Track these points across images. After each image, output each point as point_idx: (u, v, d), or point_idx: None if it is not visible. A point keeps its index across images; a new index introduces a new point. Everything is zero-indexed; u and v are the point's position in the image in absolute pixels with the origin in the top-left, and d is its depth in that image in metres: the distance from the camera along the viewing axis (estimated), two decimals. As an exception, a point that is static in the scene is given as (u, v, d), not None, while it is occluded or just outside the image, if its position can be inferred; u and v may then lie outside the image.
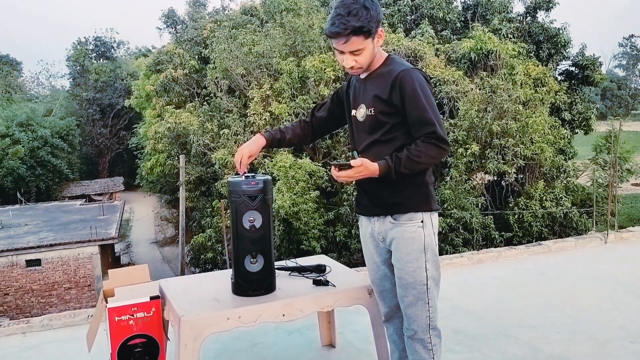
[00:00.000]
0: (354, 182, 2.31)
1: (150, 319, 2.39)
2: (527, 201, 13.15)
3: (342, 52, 2.13)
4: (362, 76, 2.27)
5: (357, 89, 2.31)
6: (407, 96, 2.09)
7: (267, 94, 13.27)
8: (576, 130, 15.84)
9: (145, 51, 39.26)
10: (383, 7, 16.43)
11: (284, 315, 2.38)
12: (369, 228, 2.33)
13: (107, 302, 2.37)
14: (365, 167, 2.06)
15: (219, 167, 13.18)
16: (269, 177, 2.48)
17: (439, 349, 2.23)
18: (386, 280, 2.36)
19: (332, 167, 2.12)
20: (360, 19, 2.05)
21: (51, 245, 16.75)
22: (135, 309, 2.35)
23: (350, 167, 2.05)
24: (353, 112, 2.31)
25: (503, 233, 13.04)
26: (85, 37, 41.70)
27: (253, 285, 2.42)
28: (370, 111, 2.20)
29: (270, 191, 2.49)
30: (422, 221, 2.18)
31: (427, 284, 2.18)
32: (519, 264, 4.99)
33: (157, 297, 2.42)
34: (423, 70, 2.16)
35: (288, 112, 12.84)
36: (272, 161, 12.59)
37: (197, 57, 19.53)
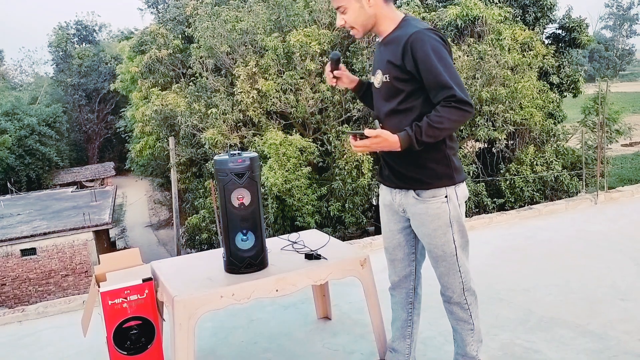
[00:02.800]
0: (378, 153, 2.25)
1: (144, 300, 2.39)
2: (518, 167, 13.22)
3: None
4: (379, 40, 2.20)
5: (376, 55, 2.25)
6: (420, 60, 1.98)
7: (253, 71, 13.11)
8: (565, 94, 15.83)
9: (128, 33, 38.57)
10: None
11: (277, 290, 2.39)
12: (389, 197, 2.29)
13: (99, 287, 2.36)
14: (383, 138, 1.99)
15: (209, 147, 13.10)
16: (255, 154, 2.47)
17: (475, 307, 2.27)
18: (399, 250, 2.35)
19: (350, 137, 2.08)
20: None
21: (45, 234, 16.71)
22: (128, 291, 2.36)
23: (365, 137, 2.00)
24: (372, 78, 2.26)
25: (495, 199, 13.13)
26: (66, 22, 41.01)
27: (245, 262, 2.43)
28: (386, 77, 2.12)
29: (258, 168, 2.48)
30: (446, 196, 2.12)
31: (456, 254, 2.18)
32: (510, 229, 5.03)
33: (149, 279, 2.42)
34: (436, 30, 2.10)
35: (275, 89, 12.72)
36: (262, 139, 12.52)
37: (180, 36, 19.26)
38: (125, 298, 2.36)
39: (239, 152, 2.44)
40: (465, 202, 2.26)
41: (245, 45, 13.93)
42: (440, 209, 2.12)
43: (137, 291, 2.38)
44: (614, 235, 4.60)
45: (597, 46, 53.89)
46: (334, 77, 2.34)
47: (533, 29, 14.71)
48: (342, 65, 2.36)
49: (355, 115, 12.83)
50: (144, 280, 2.40)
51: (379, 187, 2.43)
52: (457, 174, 2.14)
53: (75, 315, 3.57)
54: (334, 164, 12.71)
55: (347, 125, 12.75)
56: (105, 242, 20.56)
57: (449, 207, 2.13)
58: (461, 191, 2.17)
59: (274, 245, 2.77)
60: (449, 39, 13.57)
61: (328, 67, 2.32)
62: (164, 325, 2.67)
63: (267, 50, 13.22)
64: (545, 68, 14.30)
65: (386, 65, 2.11)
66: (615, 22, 68.29)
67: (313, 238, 2.91)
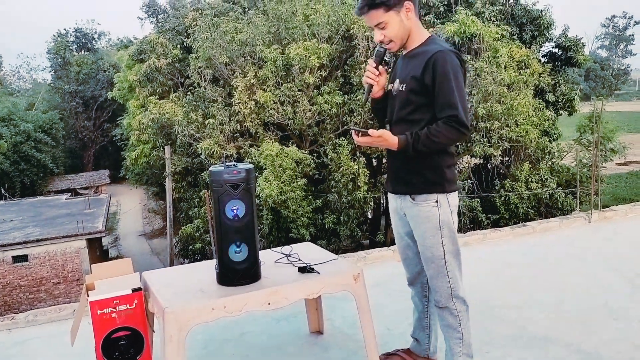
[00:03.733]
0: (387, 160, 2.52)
1: (133, 311, 2.37)
2: (513, 183, 13.22)
3: (372, 29, 2.30)
4: (404, 52, 2.37)
5: (398, 65, 2.43)
6: (438, 76, 2.16)
7: (251, 82, 13.13)
8: (560, 112, 15.90)
9: (127, 42, 38.67)
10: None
11: (269, 303, 2.38)
12: (394, 203, 2.52)
13: (88, 296, 2.34)
14: (384, 138, 2.19)
15: (205, 157, 13.08)
16: (251, 166, 2.46)
17: (465, 315, 2.41)
18: (409, 250, 2.55)
19: (353, 132, 2.25)
20: None
21: (38, 241, 16.59)
22: (117, 301, 2.33)
23: (368, 135, 2.19)
24: (390, 85, 2.42)
25: (490, 215, 13.12)
26: (65, 29, 40.99)
27: (238, 274, 2.41)
28: (403, 87, 2.30)
29: (253, 179, 2.47)
30: (436, 201, 2.31)
31: (445, 258, 2.34)
32: (504, 246, 5.03)
33: (139, 289, 2.40)
34: (458, 52, 2.27)
35: (273, 100, 12.74)
36: (258, 150, 12.52)
37: (179, 46, 19.31)
38: (115, 308, 2.34)
39: (235, 163, 2.44)
40: (458, 214, 2.38)
41: (244, 57, 13.97)
42: (430, 212, 2.31)
43: (127, 301, 2.35)
44: (607, 254, 4.61)
45: (593, 65, 54.34)
46: (379, 72, 2.38)
47: (530, 47, 14.82)
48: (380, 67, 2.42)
49: (353, 129, 12.86)
50: (133, 290, 2.38)
51: (386, 196, 2.68)
52: (449, 184, 2.33)
53: (65, 324, 3.53)
54: (330, 177, 12.70)
55: (343, 138, 12.76)
56: (98, 251, 20.43)
57: (439, 212, 2.31)
58: (452, 199, 2.35)
59: (268, 257, 2.76)
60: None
61: (372, 63, 2.36)
62: (154, 336, 2.64)
63: (265, 62, 13.26)
64: (541, 86, 14.38)
65: (406, 77, 2.29)
66: (611, 42, 69.01)
67: (307, 251, 2.90)
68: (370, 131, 2.19)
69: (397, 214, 2.51)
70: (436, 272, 2.36)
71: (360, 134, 2.23)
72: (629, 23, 68.15)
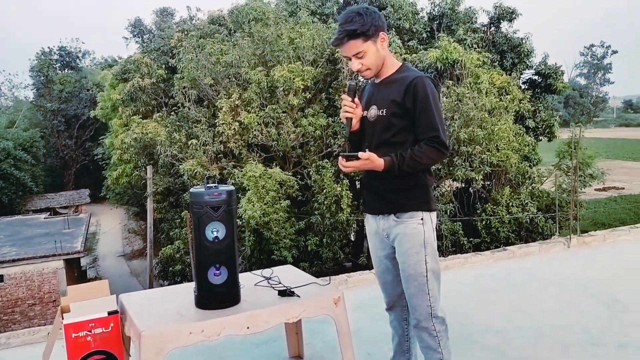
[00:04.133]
0: (363, 182, 2.56)
1: (108, 334, 2.32)
2: (494, 207, 13.35)
3: (349, 58, 2.38)
4: (377, 81, 2.47)
5: (370, 93, 2.51)
6: (419, 100, 2.28)
7: (236, 103, 13.15)
8: (540, 138, 16.18)
9: (112, 61, 38.59)
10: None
11: (248, 327, 2.35)
12: (374, 225, 2.51)
13: (63, 318, 2.29)
14: (371, 160, 2.25)
15: (188, 178, 13.00)
16: (232, 188, 2.45)
17: (444, 335, 2.42)
18: (388, 273, 2.55)
19: (340, 157, 2.29)
20: (355, 23, 2.29)
21: (14, 261, 16.20)
22: (93, 324, 2.28)
23: (357, 158, 2.24)
24: (365, 112, 2.48)
25: (471, 239, 13.20)
26: (49, 47, 40.68)
27: (217, 297, 2.38)
28: (383, 112, 2.38)
29: (234, 201, 2.46)
30: (422, 219, 2.36)
31: (427, 276, 2.36)
32: (484, 270, 5.05)
33: (115, 312, 2.35)
34: (433, 78, 2.41)
35: (257, 122, 12.76)
36: (241, 171, 12.48)
37: (164, 66, 19.31)
38: (90, 331, 2.28)
39: (216, 184, 2.43)
40: (440, 237, 2.43)
41: (229, 78, 14.02)
42: (415, 230, 2.35)
43: (102, 324, 2.30)
44: (586, 279, 4.65)
45: (572, 93, 55.58)
46: (355, 104, 2.45)
47: (510, 74, 15.13)
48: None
49: (335, 151, 12.91)
50: (109, 313, 2.33)
51: (365, 218, 2.62)
52: (432, 202, 2.42)
53: (39, 347, 3.44)
54: (313, 198, 12.69)
55: (327, 160, 12.80)
56: (76, 271, 20.03)
57: (424, 229, 2.36)
58: (434, 218, 2.43)
59: (248, 280, 2.73)
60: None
61: (347, 98, 2.44)
62: (129, 360, 2.58)
63: (250, 84, 13.32)
64: (522, 112, 14.65)
65: (387, 102, 2.37)
66: (590, 70, 70.72)
67: (288, 274, 2.88)
68: (360, 154, 2.23)
69: (378, 236, 2.51)
70: (417, 290, 2.37)
71: (347, 159, 2.26)
72: (607, 52, 70.06)
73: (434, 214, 2.42)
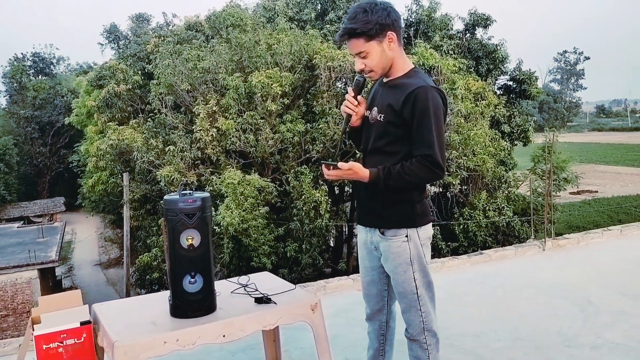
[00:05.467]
0: (354, 192, 2.44)
1: (81, 345, 2.27)
2: (472, 211, 13.50)
3: (353, 56, 2.24)
4: (385, 80, 2.31)
5: (376, 92, 2.37)
6: (418, 112, 2.11)
7: (213, 109, 13.07)
8: (515, 142, 16.44)
9: (87, 67, 38.09)
10: (328, 23, 16.62)
11: (224, 336, 2.32)
12: (364, 236, 2.44)
13: (34, 330, 2.23)
14: (354, 171, 2.15)
15: (165, 185, 12.86)
16: (207, 194, 2.43)
17: (434, 348, 2.39)
18: (372, 286, 2.49)
19: (323, 166, 2.22)
20: (358, 22, 2.14)
21: (-15, 271, 15.84)
22: (65, 335, 2.23)
23: (338, 168, 2.15)
24: (367, 112, 2.35)
25: (449, 243, 13.32)
26: (22, 53, 40.03)
27: (192, 306, 2.35)
28: (380, 117, 2.25)
29: (209, 208, 2.44)
30: (406, 236, 2.25)
31: (417, 293, 2.30)
32: (461, 274, 5.09)
33: (88, 322, 2.31)
34: (441, 89, 2.23)
35: (235, 128, 12.70)
36: (219, 178, 12.40)
37: (140, 72, 19.11)
38: (62, 342, 2.23)
39: (191, 191, 2.40)
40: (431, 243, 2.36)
41: (207, 84, 13.93)
42: (400, 248, 2.26)
43: (75, 335, 2.25)
44: (560, 282, 4.72)
45: (546, 98, 56.59)
46: (358, 102, 2.32)
47: (486, 80, 15.35)
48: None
49: (314, 157, 12.92)
50: (82, 324, 2.28)
51: (357, 227, 2.61)
52: (420, 217, 2.28)
53: (8, 360, 3.36)
54: (292, 205, 12.66)
55: (305, 166, 12.79)
56: (51, 281, 19.64)
57: (410, 247, 2.25)
58: (424, 232, 2.29)
59: (224, 288, 2.71)
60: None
61: (351, 92, 2.30)
62: (103, 372, 2.53)
63: (228, 90, 13.26)
64: (497, 117, 14.87)
65: (385, 107, 2.23)
66: (563, 76, 72.17)
67: (265, 281, 2.86)
68: (340, 164, 2.14)
69: (366, 247, 2.44)
70: (408, 306, 2.34)
71: (330, 167, 2.18)
72: (579, 58, 71.61)
73: (422, 229, 2.29)
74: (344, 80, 13.28)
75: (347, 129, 2.41)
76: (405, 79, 2.23)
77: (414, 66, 2.29)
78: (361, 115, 2.36)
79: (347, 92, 2.34)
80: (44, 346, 2.21)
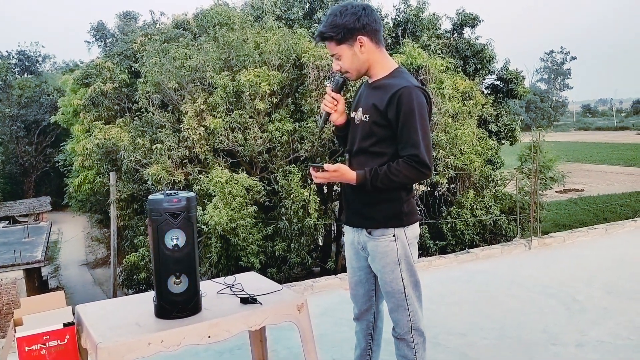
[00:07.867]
0: (341, 192, 2.45)
1: (64, 347, 2.24)
2: (459, 210, 13.57)
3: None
4: (370, 81, 2.32)
5: (361, 93, 2.38)
6: (403, 113, 2.11)
7: (201, 108, 13.00)
8: (502, 141, 16.55)
9: (73, 65, 37.71)
10: (316, 22, 16.61)
11: (209, 336, 2.30)
12: (351, 236, 2.43)
13: (16, 332, 2.20)
14: (341, 173, 2.17)
15: (152, 184, 12.77)
16: (192, 194, 2.41)
17: (421, 347, 2.39)
18: (360, 287, 2.49)
19: (311, 168, 2.23)
20: (327, 26, 2.20)
21: (-30, 272, 15.63)
22: (47, 337, 2.20)
23: (325, 170, 2.16)
24: (353, 113, 2.37)
25: (437, 242, 13.39)
26: (7, 51, 39.54)
27: (177, 307, 2.33)
28: (365, 117, 2.25)
29: (194, 208, 2.42)
30: (394, 235, 2.25)
31: (404, 292, 2.31)
32: (448, 272, 5.11)
33: (71, 324, 2.28)
34: (425, 89, 2.23)
35: (224, 127, 12.64)
36: (207, 177, 12.34)
37: (127, 70, 18.96)
38: (44, 344, 2.20)
39: (176, 191, 2.38)
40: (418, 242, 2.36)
41: (194, 83, 13.85)
42: (388, 247, 2.26)
43: (58, 336, 2.23)
44: (546, 280, 4.76)
45: (533, 97, 57.09)
46: (336, 100, 2.33)
47: (473, 79, 15.42)
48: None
49: (302, 156, 12.90)
50: (65, 325, 2.26)
51: (344, 228, 2.54)
52: (407, 216, 2.28)
53: (-9, 363, 3.31)
54: (281, 204, 12.64)
55: (294, 165, 12.78)
56: (37, 281, 19.42)
57: (397, 246, 2.25)
58: (411, 232, 2.30)
59: (209, 288, 2.69)
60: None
61: (329, 89, 2.33)
62: (87, 373, 2.50)
63: (216, 88, 13.19)
64: (484, 116, 14.95)
65: (370, 107, 2.23)
66: (550, 75, 72.86)
67: (251, 281, 2.85)
68: (326, 166, 2.14)
69: (353, 248, 2.44)
70: (396, 306, 2.34)
71: (318, 170, 2.19)
72: (566, 58, 72.34)
73: (409, 228, 2.29)
74: (332, 79, 13.28)
75: (325, 127, 2.46)
76: (389, 80, 2.23)
77: (398, 66, 2.29)
78: (341, 113, 2.38)
79: (327, 91, 2.37)
80: (27, 348, 2.18)
